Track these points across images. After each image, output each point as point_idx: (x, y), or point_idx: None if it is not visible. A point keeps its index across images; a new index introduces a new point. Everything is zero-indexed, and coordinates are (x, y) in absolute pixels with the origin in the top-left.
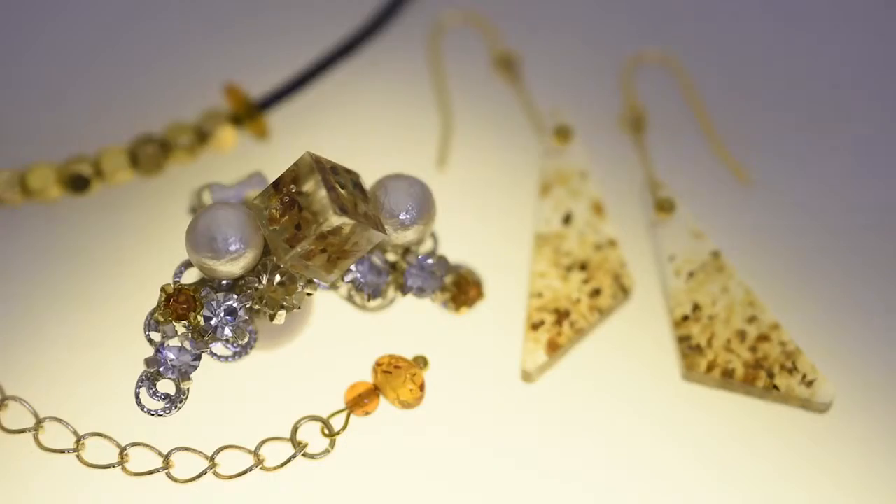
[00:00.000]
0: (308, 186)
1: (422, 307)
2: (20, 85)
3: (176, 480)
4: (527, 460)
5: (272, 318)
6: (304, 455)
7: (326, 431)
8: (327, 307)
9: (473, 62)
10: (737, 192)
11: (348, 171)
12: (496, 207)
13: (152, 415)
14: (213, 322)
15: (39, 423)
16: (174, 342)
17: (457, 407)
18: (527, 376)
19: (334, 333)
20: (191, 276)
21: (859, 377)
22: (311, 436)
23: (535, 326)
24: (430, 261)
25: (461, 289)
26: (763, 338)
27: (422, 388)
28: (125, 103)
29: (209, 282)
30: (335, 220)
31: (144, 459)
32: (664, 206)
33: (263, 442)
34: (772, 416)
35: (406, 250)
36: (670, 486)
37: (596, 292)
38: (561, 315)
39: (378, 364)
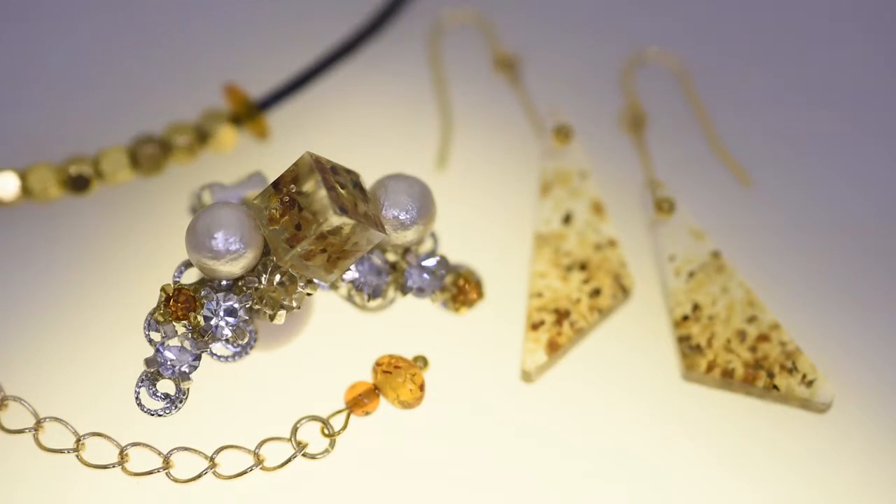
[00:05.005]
0: (308, 186)
1: (422, 307)
2: (20, 85)
3: (176, 480)
4: (527, 460)
5: (272, 318)
6: (304, 455)
7: (326, 431)
8: (327, 307)
9: (473, 62)
10: (737, 192)
11: (348, 171)
12: (496, 207)
13: (152, 415)
14: (213, 322)
15: (39, 423)
16: (174, 342)
17: (457, 407)
18: (527, 376)
19: (334, 333)
20: (191, 276)
21: (859, 377)
22: (311, 436)
23: (535, 326)
24: (430, 261)
25: (461, 289)
26: (763, 338)
27: (422, 388)
28: (125, 103)
29: (209, 282)
30: (335, 220)
31: (144, 459)
32: (664, 206)
33: (263, 442)
34: (772, 416)
35: (406, 250)
36: (670, 486)
37: (596, 292)
38: (561, 315)
39: (378, 364)
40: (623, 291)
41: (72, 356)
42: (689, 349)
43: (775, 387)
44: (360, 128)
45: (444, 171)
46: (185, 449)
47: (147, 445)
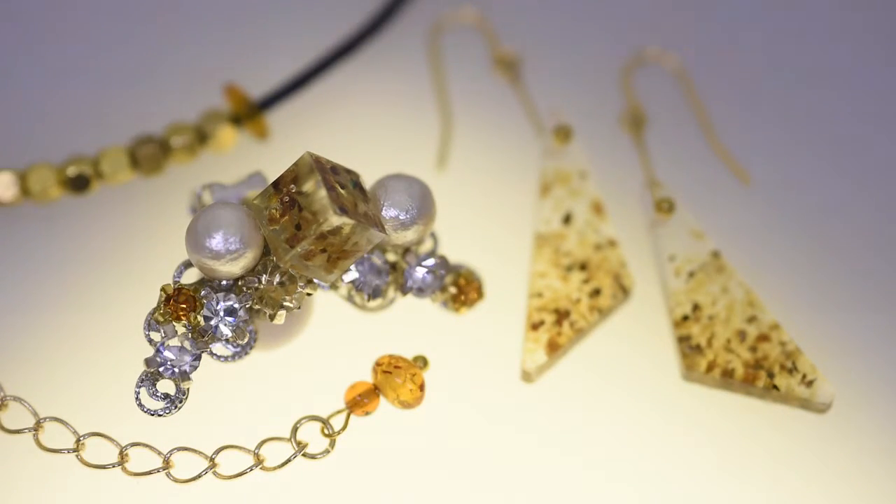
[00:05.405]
0: (308, 186)
1: (422, 307)
2: (20, 85)
3: (176, 480)
4: (527, 460)
5: (272, 318)
6: (304, 455)
7: (326, 431)
8: (327, 307)
9: (473, 62)
10: (737, 192)
11: (348, 171)
12: (496, 207)
13: (152, 415)
14: (212, 322)
15: (39, 423)
16: (174, 342)
17: (457, 407)
18: (527, 376)
19: (334, 333)
20: (191, 276)
21: (859, 377)
22: (311, 436)
23: (535, 326)
24: (430, 261)
25: (461, 289)
26: (763, 338)
27: (422, 388)
28: (125, 103)
29: (209, 282)
30: (335, 220)
31: (144, 459)
32: (664, 206)
33: (263, 442)
34: (772, 416)
35: (406, 250)
36: (670, 486)
37: (596, 292)
38: (561, 315)
39: (378, 364)
40: (623, 291)
41: (72, 356)
42: (689, 349)
43: (775, 387)
44: (360, 128)
45: (444, 171)
46: (185, 449)
47: (147, 445)
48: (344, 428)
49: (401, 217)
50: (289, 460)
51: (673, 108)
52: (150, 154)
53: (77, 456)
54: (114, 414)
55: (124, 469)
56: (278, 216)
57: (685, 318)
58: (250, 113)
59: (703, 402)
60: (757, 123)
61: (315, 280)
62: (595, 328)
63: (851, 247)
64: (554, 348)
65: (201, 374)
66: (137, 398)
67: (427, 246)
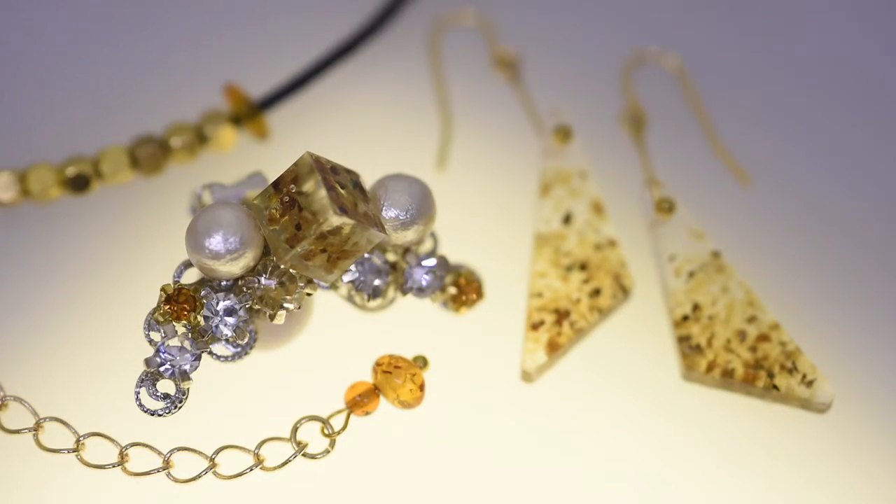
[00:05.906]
0: (308, 186)
1: (422, 307)
2: (20, 85)
3: (176, 480)
4: (527, 460)
5: (272, 318)
6: (304, 455)
7: (326, 431)
8: (327, 307)
9: (473, 62)
10: (737, 192)
11: (348, 171)
12: (496, 207)
13: (152, 415)
14: (212, 322)
15: (39, 423)
16: (174, 342)
17: (457, 407)
18: (527, 376)
19: (334, 333)
20: (191, 276)
21: (859, 377)
22: (311, 436)
23: (535, 326)
24: (430, 261)
25: (461, 289)
26: (763, 338)
27: (422, 388)
28: (125, 103)
29: (209, 282)
30: (335, 220)
31: (144, 459)
32: (664, 206)
33: (263, 442)
34: (772, 416)
35: (406, 250)
36: (670, 486)
37: (596, 292)
38: (561, 315)
39: (378, 364)
40: (623, 291)
41: (72, 356)
42: (689, 349)
43: (775, 387)
44: (360, 128)
45: (444, 171)
46: (185, 449)
47: (147, 445)
48: (344, 428)
49: (401, 217)
50: (289, 460)
51: (673, 108)
52: (150, 154)
53: (77, 456)
54: (114, 414)
55: (124, 469)
56: (278, 216)
57: (685, 318)
58: (250, 113)
59: (703, 402)
60: (757, 123)
61: (315, 280)
62: (595, 328)
63: (851, 247)
64: (554, 348)
65: (201, 374)
66: (137, 398)
67: (427, 246)
